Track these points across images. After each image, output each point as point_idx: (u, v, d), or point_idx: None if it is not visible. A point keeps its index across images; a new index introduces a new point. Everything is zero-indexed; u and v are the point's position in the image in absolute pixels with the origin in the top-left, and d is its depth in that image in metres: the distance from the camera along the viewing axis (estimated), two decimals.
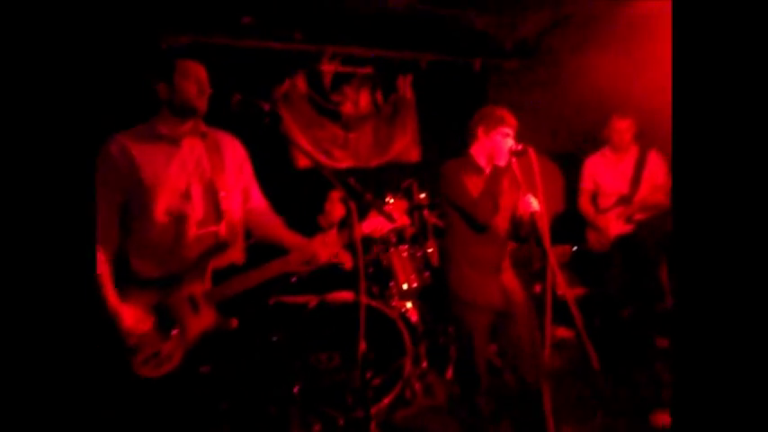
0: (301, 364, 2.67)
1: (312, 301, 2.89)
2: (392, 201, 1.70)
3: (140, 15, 2.93)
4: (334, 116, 4.03)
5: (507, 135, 2.02)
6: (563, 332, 3.46)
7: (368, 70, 4.12)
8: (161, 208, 1.60)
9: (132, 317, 1.49)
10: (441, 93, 4.41)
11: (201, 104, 1.66)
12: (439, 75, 4.39)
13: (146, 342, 1.51)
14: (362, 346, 1.33)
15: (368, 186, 1.51)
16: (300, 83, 3.87)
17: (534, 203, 1.86)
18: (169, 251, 1.60)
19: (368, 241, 3.09)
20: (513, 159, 1.91)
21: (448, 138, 3.73)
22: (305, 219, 3.10)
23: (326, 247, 1.66)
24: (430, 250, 3.36)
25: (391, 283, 3.12)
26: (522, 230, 2.02)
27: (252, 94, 1.53)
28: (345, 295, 2.90)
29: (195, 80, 1.64)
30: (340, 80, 4.04)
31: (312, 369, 2.67)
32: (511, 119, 2.06)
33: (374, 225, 1.68)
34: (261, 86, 3.65)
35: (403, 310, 3.05)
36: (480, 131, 2.09)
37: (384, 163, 4.25)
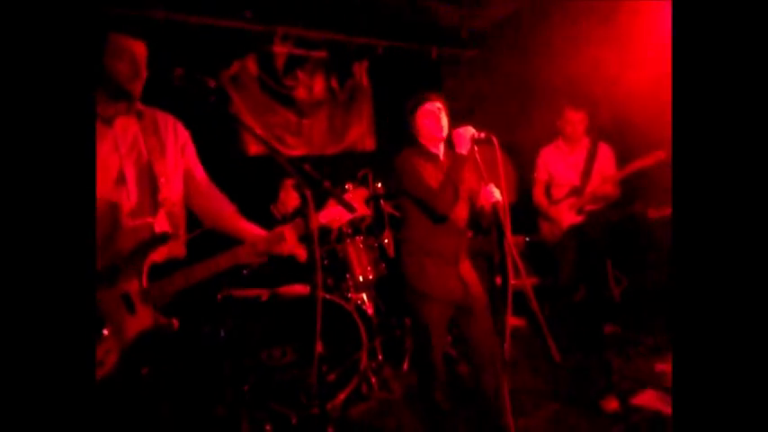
0: (252, 360, 2.54)
1: (264, 294, 2.76)
2: (351, 189, 1.60)
3: None
4: (287, 101, 3.86)
5: (433, 111, 2.00)
6: (514, 320, 3.52)
7: (322, 54, 3.97)
8: None
9: None
10: (396, 80, 4.34)
11: (135, 88, 1.48)
12: (395, 62, 4.31)
13: None
14: (319, 347, 1.23)
15: (322, 175, 1.41)
16: (251, 65, 3.67)
17: (496, 193, 1.82)
18: (99, 244, 1.43)
19: (324, 232, 2.98)
20: (475, 148, 1.86)
21: (403, 127, 3.67)
22: (256, 208, 2.94)
23: (285, 244, 1.54)
24: (386, 241, 3.30)
25: (347, 275, 3.03)
26: (484, 221, 1.98)
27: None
28: (299, 288, 2.79)
29: (130, 60, 1.45)
30: (293, 64, 3.87)
31: (263, 366, 2.55)
32: (432, 95, 2.04)
33: (332, 215, 1.57)
34: (208, 67, 3.43)
35: (359, 302, 2.97)
36: (410, 120, 2.08)
37: (339, 151, 4.13)
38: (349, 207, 1.39)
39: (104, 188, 1.45)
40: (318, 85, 4.01)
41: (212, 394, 2.58)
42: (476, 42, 4.58)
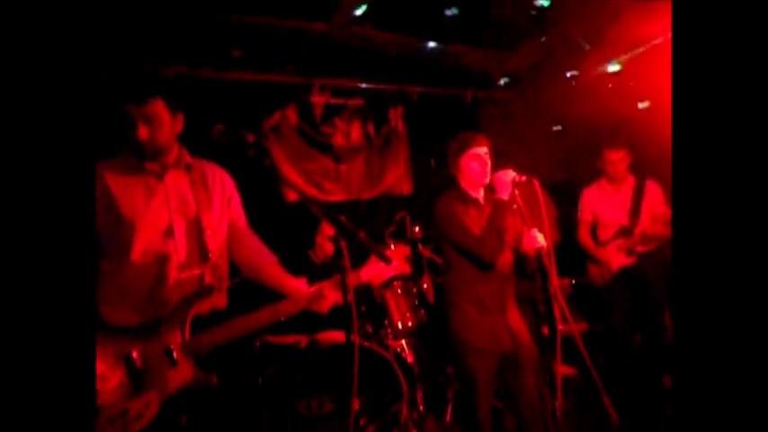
0: (290, 410, 2.49)
1: (302, 341, 2.73)
2: (393, 247, 1.59)
3: (128, 44, 2.87)
4: (325, 148, 3.96)
5: (480, 156, 1.97)
6: (564, 369, 3.30)
7: (359, 102, 4.09)
8: (139, 247, 1.47)
9: (97, 370, 1.33)
10: (432, 125, 4.37)
11: (161, 143, 1.50)
12: (430, 106, 4.36)
13: (112, 399, 1.34)
14: (356, 404, 1.18)
15: (359, 219, 1.41)
16: (291, 115, 3.81)
17: (540, 239, 1.75)
18: (145, 296, 1.46)
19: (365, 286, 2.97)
20: (516, 192, 1.82)
21: (442, 168, 3.67)
22: (296, 254, 2.96)
23: (325, 301, 1.53)
24: (425, 286, 3.22)
25: (385, 322, 2.96)
26: (528, 267, 1.91)
27: (241, 127, 1.43)
28: (338, 335, 2.74)
29: (145, 122, 1.45)
30: (331, 112, 4.00)
31: (301, 416, 2.48)
32: (479, 138, 2.01)
33: (374, 272, 1.55)
34: (250, 119, 3.59)
35: (398, 350, 2.89)
36: (454, 161, 2.04)
37: (376, 196, 4.16)
38: (385, 258, 1.36)
39: (153, 241, 1.48)
40: (355, 132, 4.10)
41: None
42: (511, 84, 4.60)
